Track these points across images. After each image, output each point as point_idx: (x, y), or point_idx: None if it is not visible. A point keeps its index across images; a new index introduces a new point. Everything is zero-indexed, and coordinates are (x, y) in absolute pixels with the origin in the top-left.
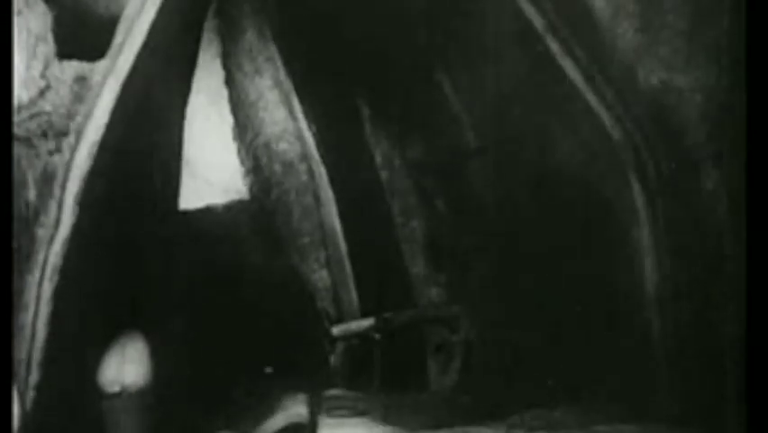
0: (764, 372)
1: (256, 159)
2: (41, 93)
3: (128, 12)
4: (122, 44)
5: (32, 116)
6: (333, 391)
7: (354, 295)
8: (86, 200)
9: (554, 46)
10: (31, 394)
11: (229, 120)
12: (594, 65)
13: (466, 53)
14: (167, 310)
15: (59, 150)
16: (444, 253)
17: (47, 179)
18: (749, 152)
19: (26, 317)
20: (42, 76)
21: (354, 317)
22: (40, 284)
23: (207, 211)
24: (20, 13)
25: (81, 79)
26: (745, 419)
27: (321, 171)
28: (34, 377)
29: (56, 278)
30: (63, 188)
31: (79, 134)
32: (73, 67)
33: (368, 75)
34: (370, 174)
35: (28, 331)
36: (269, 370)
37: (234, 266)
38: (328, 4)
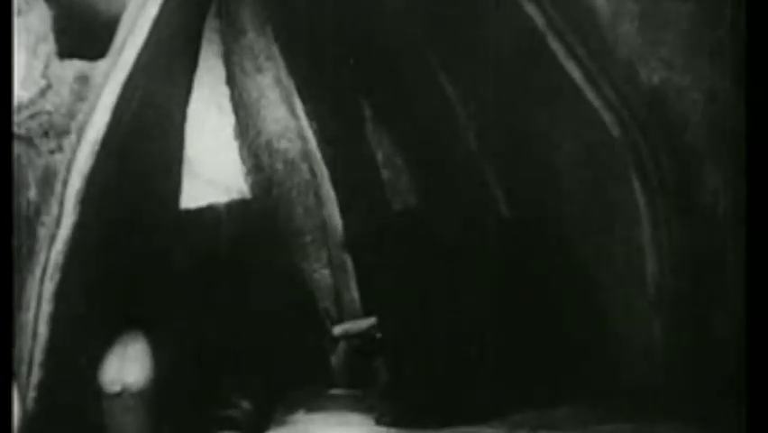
0: (764, 372)
1: (257, 158)
2: (42, 92)
3: (129, 11)
4: (123, 43)
5: (32, 116)
6: (334, 391)
7: (356, 294)
8: (88, 199)
9: (556, 45)
10: (32, 394)
11: (230, 119)
12: (595, 64)
13: (468, 52)
14: (168, 310)
15: (60, 149)
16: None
17: (48, 178)
18: (749, 151)
19: (27, 317)
20: (43, 75)
21: (355, 317)
22: (41, 283)
23: (209, 210)
24: (20, 12)
25: (82, 79)
26: (744, 418)
27: (322, 170)
28: (35, 376)
29: (57, 277)
30: (64, 186)
31: (80, 134)
32: (74, 66)
33: (369, 74)
34: (372, 173)
35: (29, 330)
36: None
37: (235, 265)
38: (330, 4)
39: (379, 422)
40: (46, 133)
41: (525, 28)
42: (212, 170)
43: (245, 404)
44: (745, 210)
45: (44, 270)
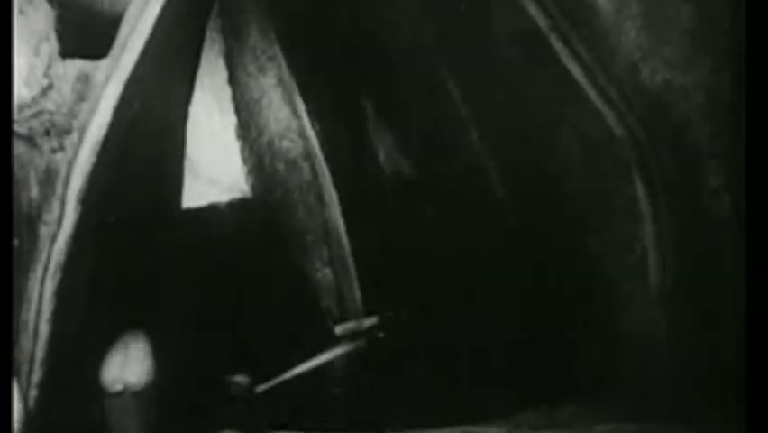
0: (765, 371)
1: (259, 157)
2: (44, 91)
3: (131, 11)
4: (124, 43)
5: (34, 115)
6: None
7: (358, 294)
8: (89, 198)
9: (558, 45)
10: (33, 393)
11: (232, 119)
12: (597, 64)
13: (470, 52)
14: (169, 309)
15: (61, 148)
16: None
17: (50, 178)
18: (750, 150)
19: (29, 316)
20: (45, 74)
21: (358, 316)
22: (42, 282)
23: (210, 210)
24: (23, 12)
25: (84, 78)
26: (744, 418)
27: (324, 170)
28: (37, 375)
29: (59, 276)
30: (66, 186)
31: (82, 133)
32: (76, 65)
33: (371, 74)
34: (374, 173)
35: (30, 329)
36: None
37: (237, 265)
38: (332, 4)
39: (381, 421)
40: (48, 133)
41: (528, 28)
42: (213, 169)
43: (247, 404)
44: (745, 210)
45: (45, 269)
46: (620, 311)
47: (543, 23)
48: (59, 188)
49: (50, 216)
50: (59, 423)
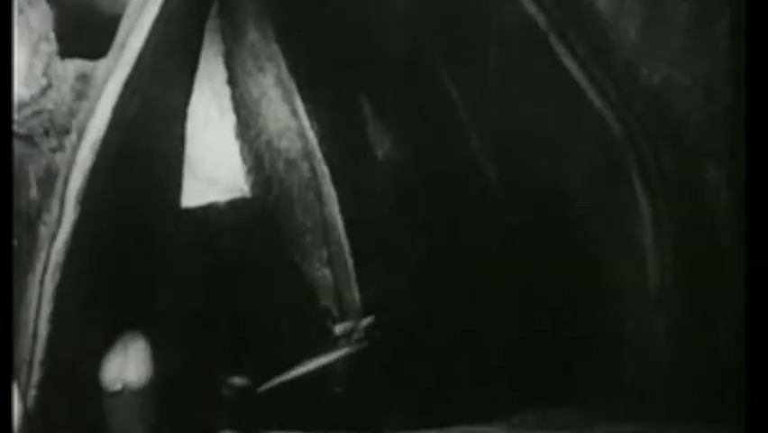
0: (765, 372)
1: (258, 157)
2: (43, 91)
3: (130, 10)
4: (124, 43)
5: (33, 114)
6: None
7: (357, 294)
8: (89, 198)
9: (557, 44)
10: (32, 393)
11: (231, 118)
12: (596, 63)
13: (469, 51)
14: (169, 309)
15: (61, 148)
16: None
17: (49, 177)
18: (749, 150)
19: (28, 316)
20: (44, 74)
21: (357, 316)
22: (41, 282)
23: (209, 209)
24: (22, 11)
25: (83, 77)
26: (745, 419)
27: (323, 169)
28: (36, 375)
29: (58, 276)
30: (65, 186)
31: (81, 132)
32: (75, 65)
33: (370, 73)
34: (373, 172)
35: (30, 329)
36: None
37: (236, 264)
38: (331, 3)
39: (380, 421)
40: (47, 132)
41: (527, 27)
42: (212, 169)
43: (246, 404)
44: (744, 210)
45: (45, 269)
46: (620, 311)
47: (541, 21)
48: (58, 188)
49: (50, 216)
50: (58, 423)
